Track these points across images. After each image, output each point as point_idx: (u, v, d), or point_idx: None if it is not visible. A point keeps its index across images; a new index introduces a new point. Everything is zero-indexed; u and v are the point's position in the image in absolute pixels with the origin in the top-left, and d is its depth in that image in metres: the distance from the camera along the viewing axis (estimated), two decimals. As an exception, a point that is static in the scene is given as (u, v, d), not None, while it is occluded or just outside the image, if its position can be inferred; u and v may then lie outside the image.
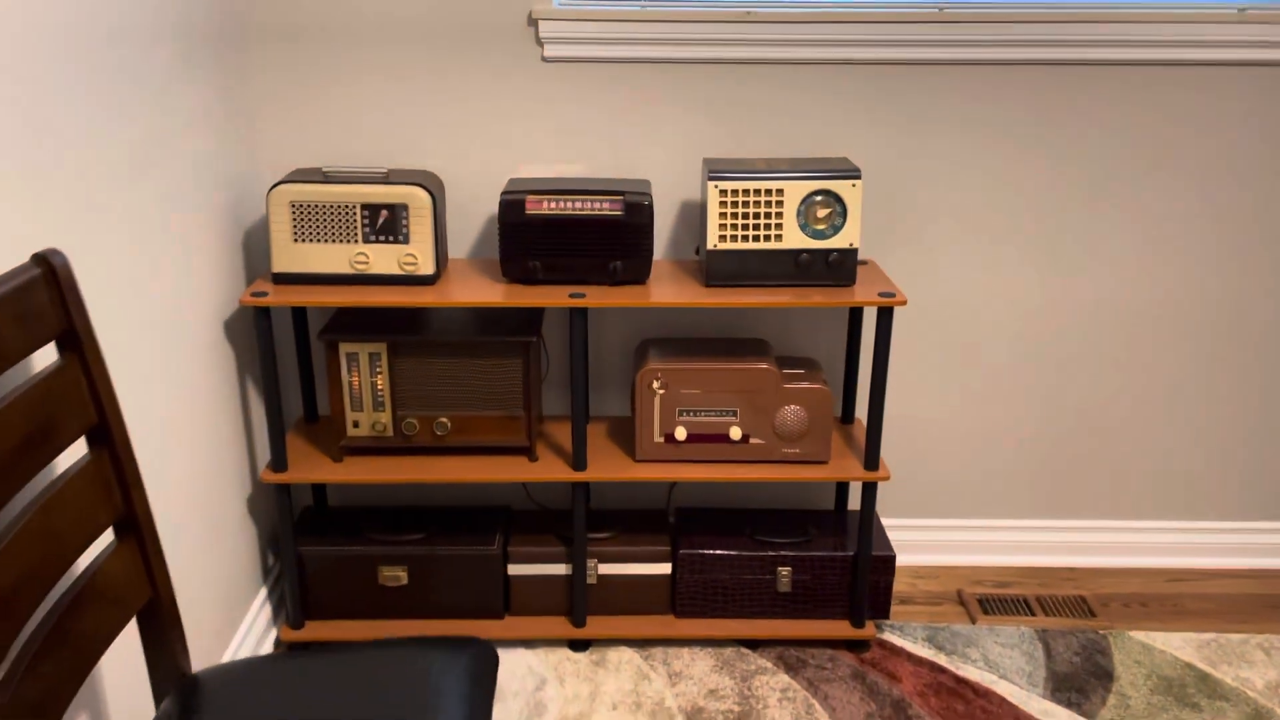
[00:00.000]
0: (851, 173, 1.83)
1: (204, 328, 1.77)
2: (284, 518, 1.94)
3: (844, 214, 1.85)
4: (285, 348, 2.15)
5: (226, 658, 1.86)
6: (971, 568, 2.34)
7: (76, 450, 1.28)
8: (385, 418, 1.93)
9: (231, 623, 1.90)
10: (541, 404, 2.15)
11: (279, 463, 1.90)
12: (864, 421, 2.19)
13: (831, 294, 1.85)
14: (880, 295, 1.84)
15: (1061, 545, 2.34)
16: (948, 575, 2.31)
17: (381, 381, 1.92)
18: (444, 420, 1.94)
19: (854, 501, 2.27)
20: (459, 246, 2.09)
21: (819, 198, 1.84)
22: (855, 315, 2.10)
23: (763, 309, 2.13)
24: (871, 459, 1.93)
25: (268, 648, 2.02)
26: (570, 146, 2.03)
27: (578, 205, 1.85)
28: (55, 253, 1.16)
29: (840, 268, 1.87)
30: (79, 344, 1.18)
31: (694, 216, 2.09)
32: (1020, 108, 2.03)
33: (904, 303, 1.82)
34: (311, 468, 1.93)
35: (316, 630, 2.01)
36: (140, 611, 1.27)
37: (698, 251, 2.00)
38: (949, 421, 2.25)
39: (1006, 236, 2.12)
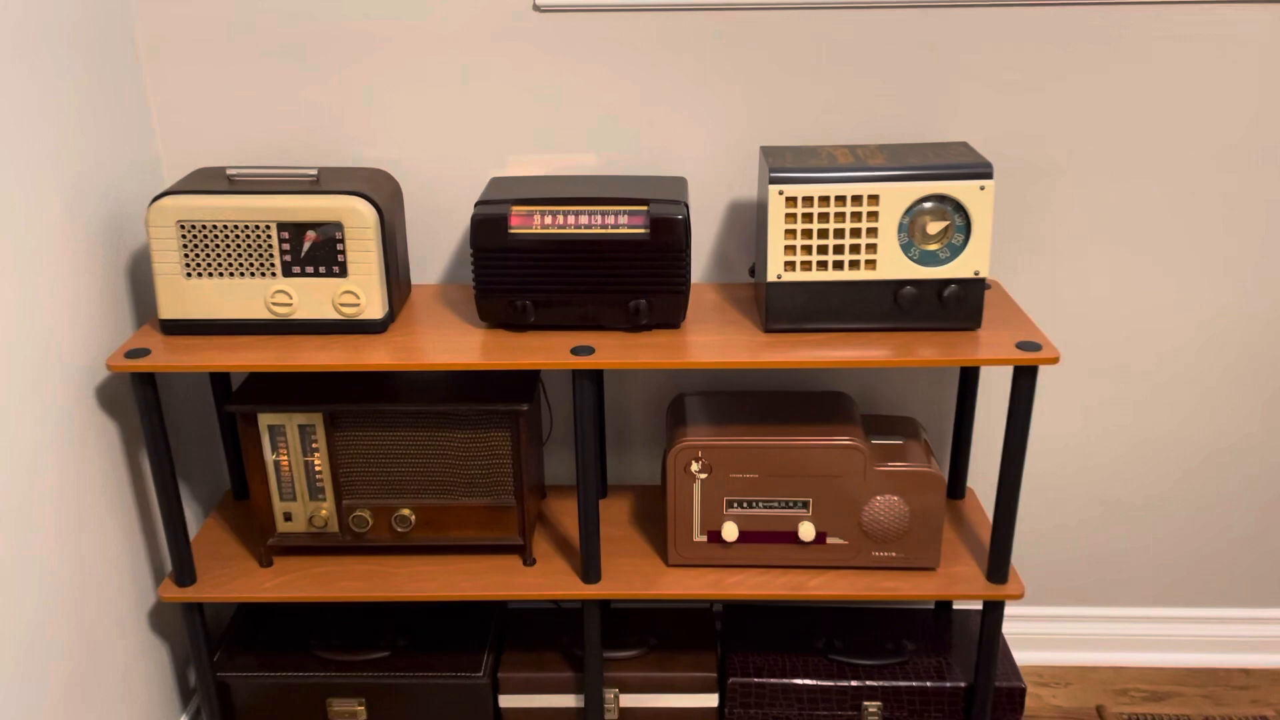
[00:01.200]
0: (979, 169, 1.26)
1: (72, 396, 1.26)
2: (196, 644, 1.44)
3: (966, 229, 1.28)
4: (200, 398, 1.63)
5: (127, 826, 1.39)
6: (1114, 670, 1.79)
7: None
8: (327, 509, 1.42)
9: (134, 777, 1.43)
10: (543, 476, 1.63)
11: (183, 575, 1.40)
12: (979, 496, 1.64)
13: (948, 344, 1.29)
14: (1020, 348, 1.27)
15: (1234, 641, 1.78)
16: (1083, 681, 1.77)
17: (320, 462, 1.40)
18: (406, 513, 1.42)
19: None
20: (427, 268, 1.55)
21: (930, 206, 1.27)
22: (968, 353, 1.53)
23: (841, 343, 1.57)
24: (998, 567, 1.39)
25: (189, 799, 1.55)
26: (574, 131, 1.47)
27: (583, 221, 1.30)
28: None
29: (960, 305, 1.31)
30: None
31: (746, 223, 1.53)
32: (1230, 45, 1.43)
33: (1055, 359, 1.25)
34: (231, 576, 1.43)
35: (251, 778, 1.54)
36: None
37: (752, 272, 1.45)
38: (1084, 481, 1.68)
39: (1183, 245, 1.53)
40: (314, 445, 1.39)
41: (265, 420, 1.37)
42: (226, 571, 1.44)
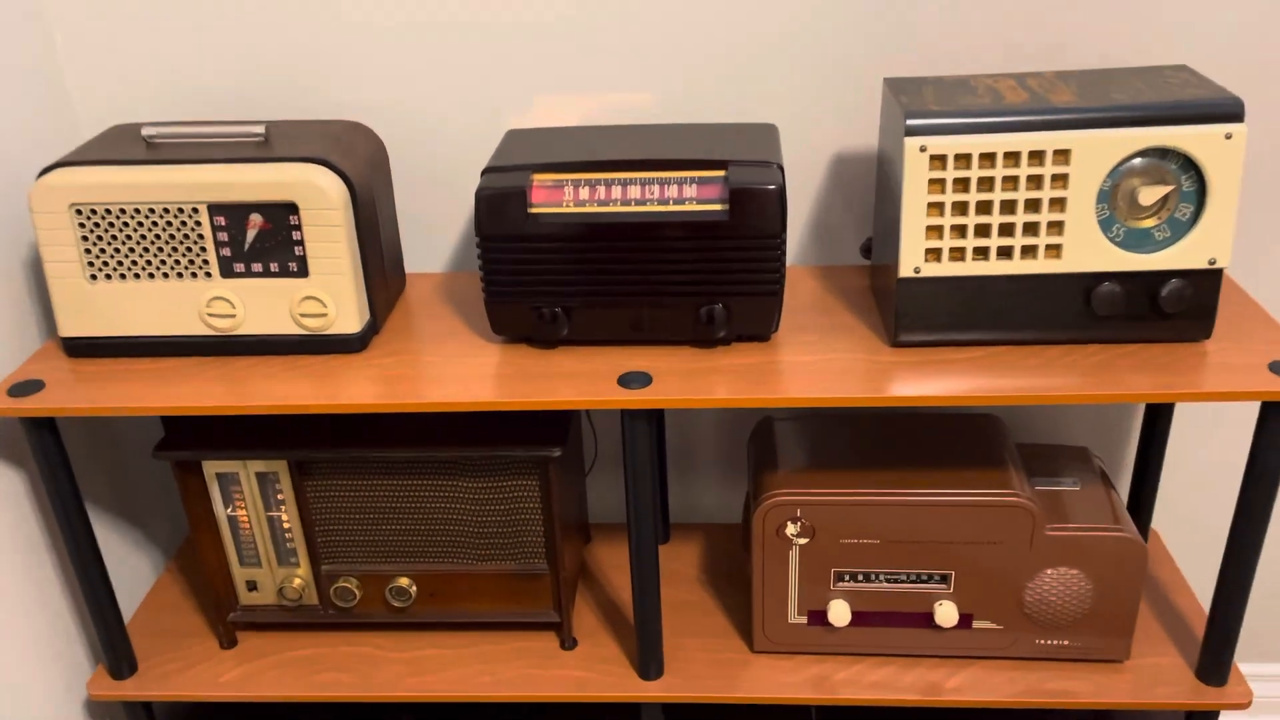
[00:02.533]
0: (1221, 108, 0.84)
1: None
2: (141, 748, 1.13)
3: (1199, 198, 0.87)
4: (141, 427, 1.28)
5: None
6: (1318, 745, 1.41)
7: None
8: (301, 577, 1.08)
9: None
10: (586, 516, 1.26)
11: (118, 664, 1.08)
12: (1165, 542, 1.24)
13: (1164, 365, 0.88)
14: (1275, 370, 0.87)
15: None
16: (1279, 761, 1.39)
17: (288, 518, 1.05)
18: (404, 583, 1.07)
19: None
20: (430, 253, 1.17)
21: (1144, 164, 0.86)
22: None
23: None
24: (1215, 665, 1.00)
25: None
26: (622, 61, 1.08)
27: (634, 195, 0.92)
28: None
29: (1183, 308, 0.90)
30: None
31: (853, 180, 1.12)
32: None
33: (1333, 391, 0.85)
34: (182, 660, 1.10)
35: None
36: None
37: (866, 251, 1.06)
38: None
39: None
40: (279, 497, 1.04)
41: (212, 468, 1.03)
42: (179, 654, 1.11)
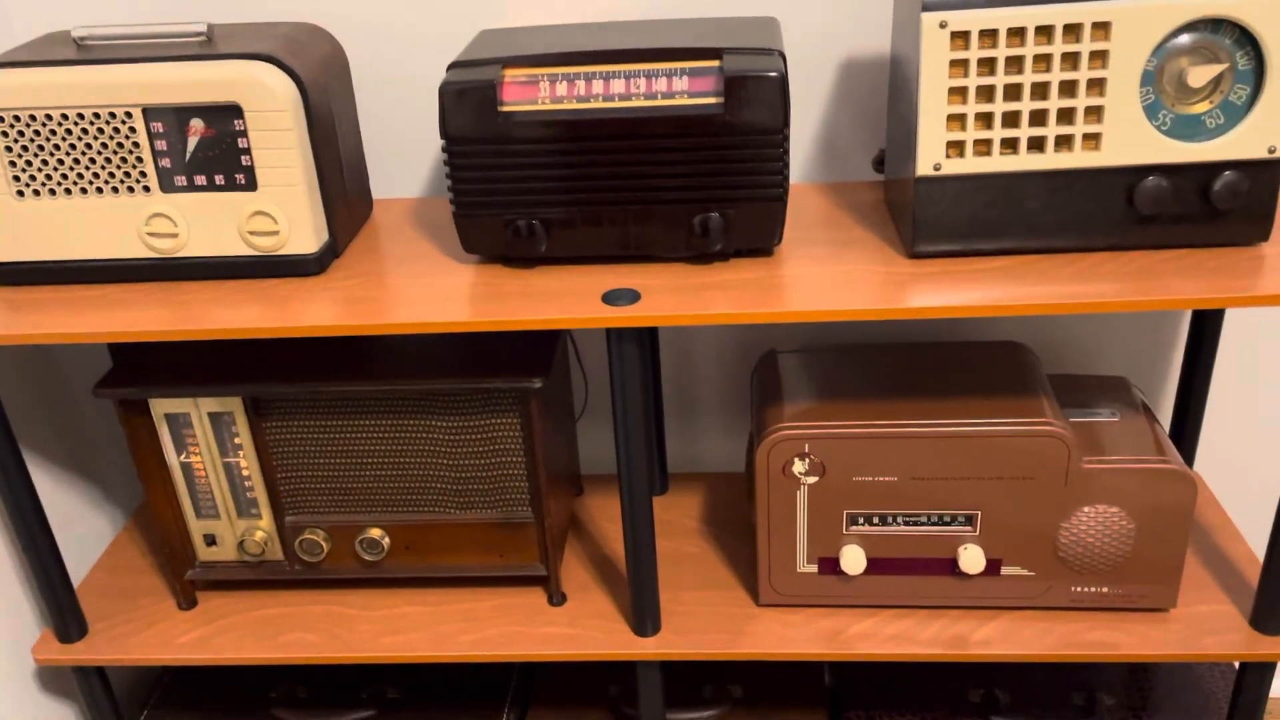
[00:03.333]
0: (1283, -29, 0.74)
1: None
2: (97, 712, 1.04)
3: (1257, 77, 0.77)
4: (93, 370, 1.19)
5: None
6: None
7: None
8: (264, 530, 0.99)
9: None
10: (577, 464, 1.17)
11: (67, 627, 0.99)
12: (1212, 489, 1.14)
13: (1218, 270, 0.79)
14: (1345, 273, 0.77)
15: None
16: (1330, 725, 1.29)
17: (247, 464, 0.96)
18: (375, 534, 0.98)
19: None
20: (399, 175, 1.07)
21: (1192, 40, 0.76)
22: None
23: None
24: (1271, 608, 0.90)
25: None
26: (606, -46, 0.98)
27: (618, 89, 0.82)
28: None
29: (1239, 204, 0.80)
30: None
31: (863, 88, 1.02)
32: None
33: None
34: (138, 621, 1.01)
35: None
36: None
37: (879, 164, 0.96)
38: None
39: None
40: (235, 441, 0.95)
41: (160, 408, 0.93)
42: (134, 616, 1.02)
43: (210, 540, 1.00)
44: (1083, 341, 1.13)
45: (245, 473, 0.96)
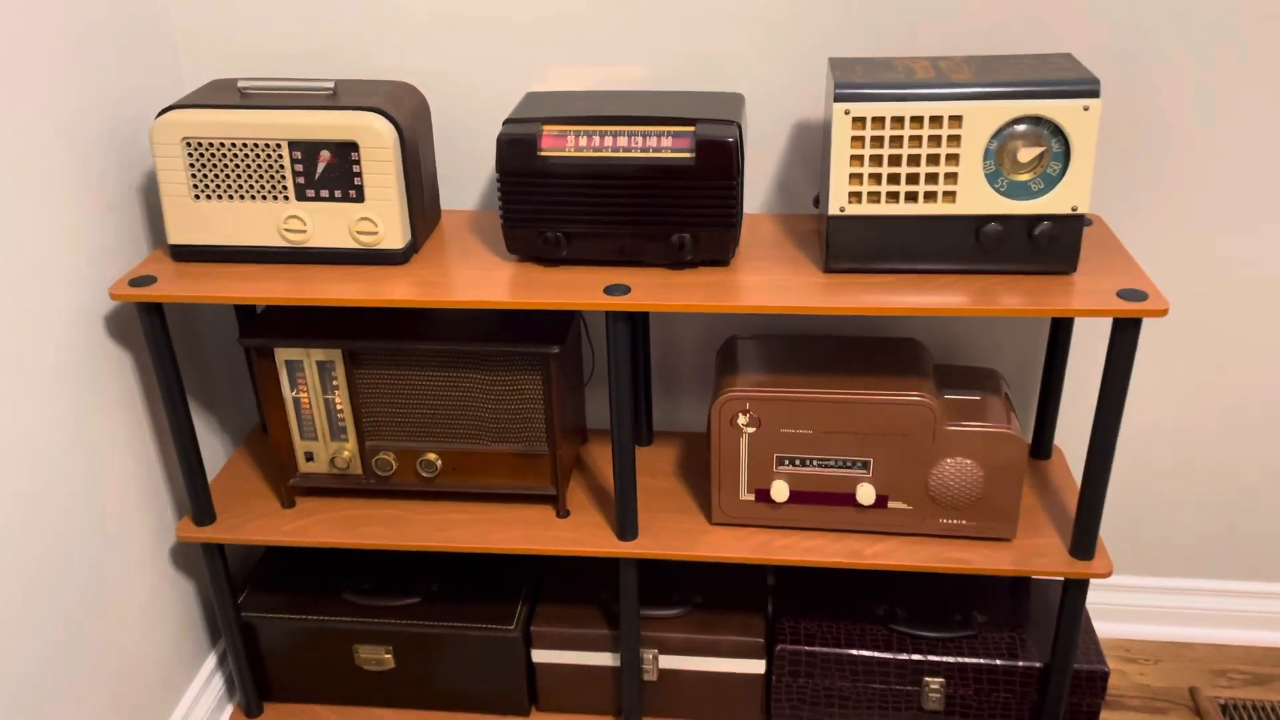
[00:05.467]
0: (1082, 85, 1.07)
1: (82, 326, 1.19)
2: (218, 585, 1.39)
3: (1065, 156, 1.09)
4: (224, 329, 1.55)
5: (153, 762, 1.35)
6: (1211, 648, 1.62)
7: None
8: (349, 450, 1.34)
9: (164, 702, 1.38)
10: (584, 419, 1.51)
11: (201, 514, 1.34)
12: (1066, 455, 1.47)
13: (1037, 290, 1.12)
14: (1122, 296, 1.10)
15: (1350, 621, 1.60)
16: (1175, 659, 1.60)
17: (340, 400, 1.31)
18: (431, 457, 1.33)
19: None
20: (460, 192, 1.42)
21: (1023, 129, 1.09)
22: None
23: (916, 282, 1.40)
24: (1083, 541, 1.23)
25: (218, 737, 1.51)
26: (621, 38, 1.32)
27: (622, 143, 1.16)
28: None
29: (1053, 245, 1.13)
30: None
31: (811, 145, 1.36)
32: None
33: (1164, 311, 1.08)
34: (251, 516, 1.36)
35: (278, 718, 1.49)
36: None
37: (816, 202, 1.29)
38: (1184, 440, 1.50)
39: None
40: (334, 383, 1.30)
41: (282, 355, 1.28)
42: (248, 511, 1.37)
43: (309, 456, 1.35)
44: (970, 341, 1.46)
45: (339, 407, 1.31)
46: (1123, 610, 1.63)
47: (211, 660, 1.52)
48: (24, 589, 1.13)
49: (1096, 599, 1.62)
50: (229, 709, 1.53)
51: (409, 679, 1.46)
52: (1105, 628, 1.64)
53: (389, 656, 1.44)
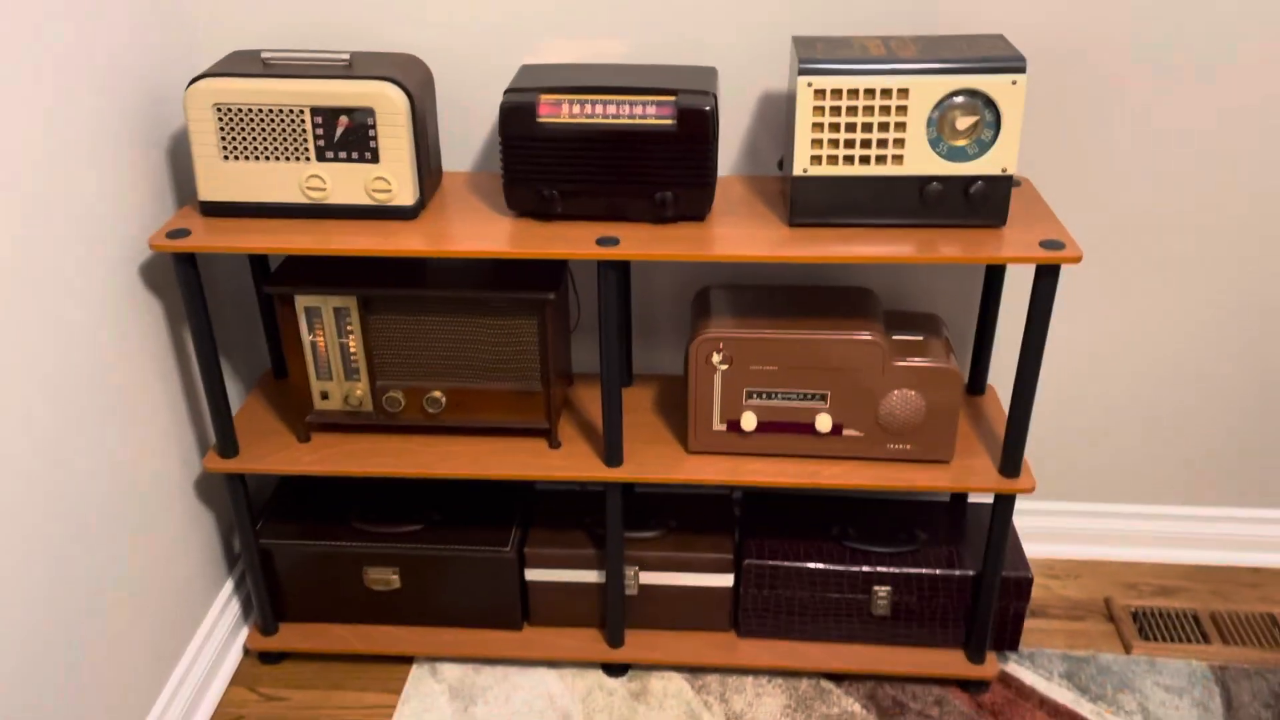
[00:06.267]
0: (1011, 63, 1.24)
1: (115, 275, 1.31)
2: (240, 512, 1.52)
3: (996, 125, 1.27)
4: (240, 282, 1.68)
5: (179, 671, 1.49)
6: (1123, 564, 1.83)
7: None
8: (361, 389, 1.48)
9: (188, 622, 1.52)
10: (570, 363, 1.67)
11: (226, 447, 1.47)
12: (998, 392, 1.66)
13: (972, 241, 1.29)
14: (1043, 246, 1.27)
15: (1243, 539, 1.81)
16: (1092, 574, 1.81)
17: (354, 344, 1.45)
18: (437, 395, 1.47)
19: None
20: (458, 155, 1.56)
21: (960, 100, 1.26)
22: (995, 251, 1.53)
23: (868, 238, 1.57)
24: (1011, 462, 1.42)
25: (235, 655, 1.65)
26: (606, 16, 1.46)
27: (611, 111, 1.31)
28: None
29: (986, 202, 1.30)
30: None
31: (776, 114, 1.52)
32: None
33: (1078, 259, 1.26)
34: (270, 450, 1.50)
35: (291, 637, 1.63)
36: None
37: (780, 165, 1.45)
38: (1099, 378, 1.70)
39: (1211, 140, 1.50)
40: (349, 328, 1.44)
41: (302, 302, 1.42)
42: (267, 446, 1.51)
43: (324, 395, 1.49)
44: (915, 290, 1.64)
45: (352, 350, 1.45)
46: (1046, 533, 1.83)
47: (228, 586, 1.66)
48: (68, 515, 1.27)
49: (1024, 523, 1.82)
50: (244, 631, 1.67)
51: (413, 598, 1.61)
52: (1031, 548, 1.84)
53: (395, 577, 1.59)
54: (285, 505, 1.65)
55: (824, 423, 1.42)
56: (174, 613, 1.50)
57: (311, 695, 1.59)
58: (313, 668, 1.63)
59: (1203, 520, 1.80)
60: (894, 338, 1.44)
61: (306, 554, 1.59)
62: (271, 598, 1.62)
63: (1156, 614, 1.72)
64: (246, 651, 1.66)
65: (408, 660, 1.64)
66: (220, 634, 1.61)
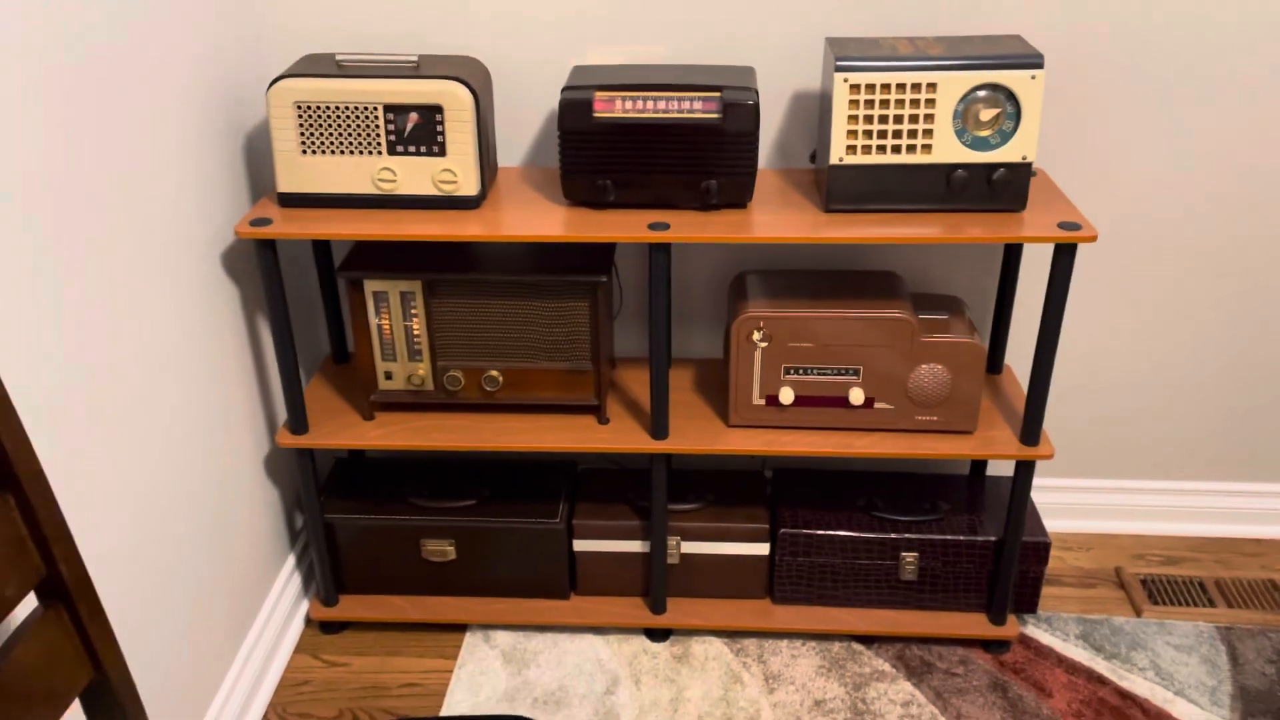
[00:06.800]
0: (1030, 59, 1.36)
1: (198, 261, 1.41)
2: (307, 485, 1.62)
3: (1016, 116, 1.38)
4: (306, 273, 1.79)
5: (249, 641, 1.58)
6: (1133, 537, 1.94)
7: None
8: (424, 369, 1.58)
9: (255, 596, 1.61)
10: (614, 348, 1.77)
11: (297, 424, 1.57)
12: (1015, 371, 1.77)
13: (995, 224, 1.40)
14: (1061, 227, 1.39)
15: (1245, 512, 1.92)
16: (1103, 546, 1.92)
17: (418, 326, 1.55)
18: (494, 374, 1.57)
19: (995, 464, 1.87)
20: (511, 151, 1.67)
21: (983, 94, 1.37)
22: (1015, 243, 1.64)
23: (891, 228, 1.68)
24: (1030, 431, 1.52)
25: (297, 625, 1.74)
26: (653, 22, 1.58)
27: (661, 106, 1.42)
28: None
29: (1007, 188, 1.42)
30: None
31: (809, 113, 1.63)
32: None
33: (1093, 238, 1.37)
34: (337, 427, 1.60)
35: (351, 607, 1.73)
36: (83, 697, 0.97)
37: (813, 158, 1.56)
38: (1110, 361, 1.81)
39: (1215, 133, 1.62)
40: (413, 311, 1.54)
41: (371, 287, 1.52)
42: (333, 424, 1.61)
43: (388, 375, 1.59)
44: (937, 274, 1.75)
45: (416, 332, 1.55)
46: (1060, 508, 1.93)
47: (290, 561, 1.75)
48: (164, 494, 1.36)
49: (1041, 499, 1.93)
50: (304, 604, 1.77)
51: (467, 569, 1.71)
52: (1049, 523, 1.94)
53: (451, 549, 1.69)
54: (343, 484, 1.75)
55: (857, 396, 1.53)
56: (245, 585, 1.59)
57: (371, 661, 1.68)
58: (372, 636, 1.73)
59: (1207, 494, 1.91)
60: (921, 316, 1.54)
61: (368, 528, 1.68)
62: (333, 570, 1.71)
63: (1165, 581, 1.82)
64: (309, 621, 1.76)
65: (462, 628, 1.73)
66: (285, 605, 1.70)
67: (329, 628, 1.74)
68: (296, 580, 1.75)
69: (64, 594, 0.93)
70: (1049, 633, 1.71)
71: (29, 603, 0.94)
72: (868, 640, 1.71)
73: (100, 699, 0.98)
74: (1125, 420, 1.86)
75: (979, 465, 1.82)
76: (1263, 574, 1.84)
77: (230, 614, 1.54)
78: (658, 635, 1.71)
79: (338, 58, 1.46)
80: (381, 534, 1.69)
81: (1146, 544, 1.92)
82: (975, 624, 1.68)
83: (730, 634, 1.72)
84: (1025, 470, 1.55)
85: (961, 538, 1.64)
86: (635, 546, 1.70)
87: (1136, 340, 1.79)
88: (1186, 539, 1.93)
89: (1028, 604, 1.69)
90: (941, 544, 1.64)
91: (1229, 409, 1.84)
